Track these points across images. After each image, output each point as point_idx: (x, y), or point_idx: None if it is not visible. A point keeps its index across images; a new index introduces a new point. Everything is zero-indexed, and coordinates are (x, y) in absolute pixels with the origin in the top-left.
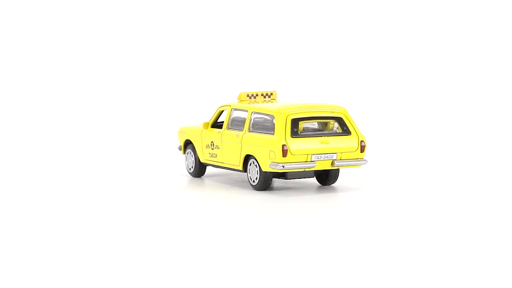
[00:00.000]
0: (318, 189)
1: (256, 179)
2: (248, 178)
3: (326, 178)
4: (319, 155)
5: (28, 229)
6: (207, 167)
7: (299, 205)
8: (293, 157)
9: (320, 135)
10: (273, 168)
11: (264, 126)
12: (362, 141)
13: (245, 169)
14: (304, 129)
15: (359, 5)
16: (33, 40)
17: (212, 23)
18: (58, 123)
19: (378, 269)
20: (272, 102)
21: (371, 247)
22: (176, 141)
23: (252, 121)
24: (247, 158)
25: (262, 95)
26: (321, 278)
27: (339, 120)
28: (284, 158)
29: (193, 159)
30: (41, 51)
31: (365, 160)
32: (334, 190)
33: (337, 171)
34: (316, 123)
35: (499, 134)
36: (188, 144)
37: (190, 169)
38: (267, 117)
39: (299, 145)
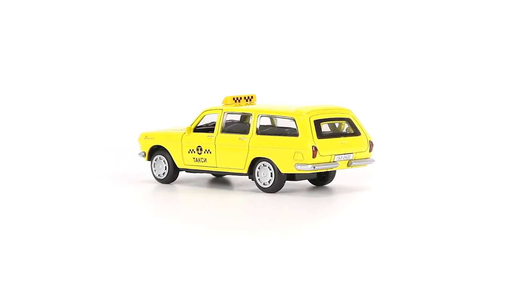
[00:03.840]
0: (316, 190)
1: (269, 181)
2: (256, 181)
3: (324, 178)
4: (340, 156)
5: None
6: (180, 173)
7: (308, 208)
8: (321, 158)
9: (338, 136)
10: (299, 170)
11: (277, 129)
12: (371, 141)
13: (250, 172)
14: (322, 131)
15: (342, 6)
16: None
17: (194, 25)
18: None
19: (381, 269)
20: (253, 104)
21: (376, 247)
22: (135, 147)
23: (258, 124)
24: (254, 161)
25: (244, 98)
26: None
27: (349, 121)
28: (314, 159)
29: (166, 165)
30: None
31: (373, 160)
32: (332, 191)
33: (334, 171)
34: (327, 124)
35: (503, 133)
36: (155, 150)
37: (160, 175)
38: (282, 120)
39: (325, 146)
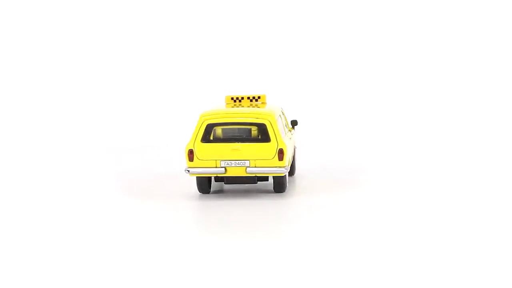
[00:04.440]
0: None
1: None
2: None
3: (274, 185)
4: (228, 161)
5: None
6: None
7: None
8: (200, 162)
9: (233, 142)
10: (186, 172)
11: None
12: (281, 149)
13: None
14: (221, 135)
15: (347, 8)
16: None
17: (201, 25)
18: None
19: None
20: (254, 106)
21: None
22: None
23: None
24: None
25: (248, 98)
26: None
27: (262, 126)
28: (191, 162)
29: None
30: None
31: (285, 169)
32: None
33: (283, 178)
34: (238, 129)
35: (490, 136)
36: None
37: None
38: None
39: (206, 151)
